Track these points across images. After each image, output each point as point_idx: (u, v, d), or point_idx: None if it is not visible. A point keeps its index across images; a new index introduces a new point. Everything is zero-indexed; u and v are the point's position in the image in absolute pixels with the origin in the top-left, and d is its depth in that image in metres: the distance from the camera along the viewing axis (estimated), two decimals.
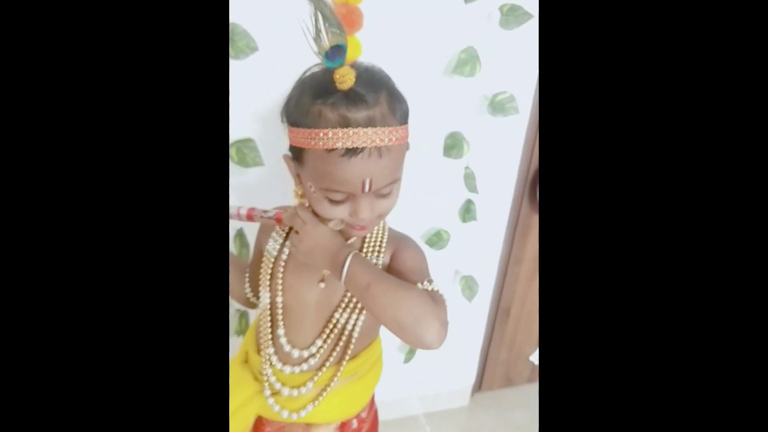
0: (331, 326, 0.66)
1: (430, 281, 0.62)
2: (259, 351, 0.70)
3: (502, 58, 1.01)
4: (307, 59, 0.58)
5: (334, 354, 0.67)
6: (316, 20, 0.51)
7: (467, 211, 1.16)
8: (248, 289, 0.77)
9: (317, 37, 0.52)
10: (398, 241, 0.68)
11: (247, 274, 0.77)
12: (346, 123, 0.52)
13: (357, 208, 0.57)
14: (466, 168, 1.08)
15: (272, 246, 0.68)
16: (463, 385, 1.45)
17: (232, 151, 0.91)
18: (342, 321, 0.65)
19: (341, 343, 0.66)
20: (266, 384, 0.68)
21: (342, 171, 0.54)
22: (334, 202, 0.58)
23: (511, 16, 0.96)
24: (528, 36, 1.00)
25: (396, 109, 0.56)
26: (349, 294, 0.65)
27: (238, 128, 0.91)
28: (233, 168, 0.93)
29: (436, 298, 0.58)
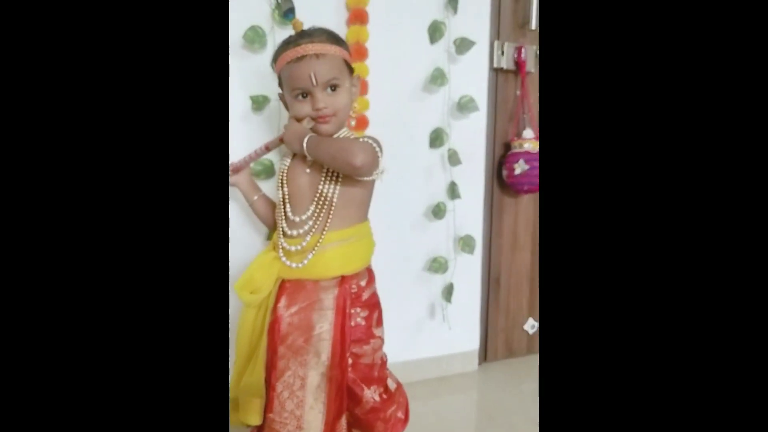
0: (318, 195, 0.94)
1: (370, 140, 0.92)
2: (278, 233, 0.98)
3: (461, 72, 1.51)
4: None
5: (322, 215, 0.94)
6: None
7: (452, 191, 1.56)
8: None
9: (277, 6, 1.00)
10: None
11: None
12: (296, 45, 0.91)
13: (314, 100, 0.93)
14: (449, 149, 1.51)
15: (282, 163, 1.03)
16: (470, 349, 1.72)
17: None
18: (325, 191, 0.94)
19: (325, 207, 0.94)
20: (281, 250, 0.96)
21: (297, 71, 0.91)
22: (301, 100, 0.94)
23: (462, 45, 1.47)
24: (475, 56, 1.51)
25: (331, 39, 0.94)
26: (325, 172, 0.94)
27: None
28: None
29: (362, 143, 0.89)
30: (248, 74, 1.30)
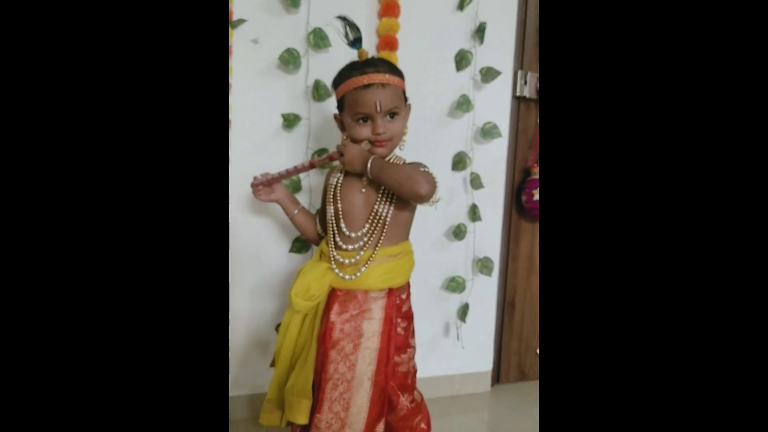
0: (373, 214, 1.01)
1: (424, 167, 1.00)
2: (328, 245, 1.04)
3: (485, 100, 1.56)
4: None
5: (375, 232, 1.01)
6: (344, 26, 1.04)
7: (473, 213, 1.60)
8: (319, 227, 1.16)
9: (345, 35, 1.04)
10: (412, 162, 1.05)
11: (317, 218, 1.17)
12: (363, 73, 0.98)
13: (375, 126, 0.99)
14: (472, 173, 1.55)
15: (333, 179, 1.08)
16: (483, 370, 1.74)
17: None
18: (380, 210, 1.01)
19: (379, 225, 1.01)
20: (333, 262, 1.02)
21: (363, 97, 0.97)
22: (362, 124, 1.00)
23: (487, 74, 1.52)
24: (500, 84, 1.56)
25: (393, 71, 1.01)
26: (381, 193, 1.01)
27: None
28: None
29: (425, 172, 0.97)
30: (281, 93, 1.36)
